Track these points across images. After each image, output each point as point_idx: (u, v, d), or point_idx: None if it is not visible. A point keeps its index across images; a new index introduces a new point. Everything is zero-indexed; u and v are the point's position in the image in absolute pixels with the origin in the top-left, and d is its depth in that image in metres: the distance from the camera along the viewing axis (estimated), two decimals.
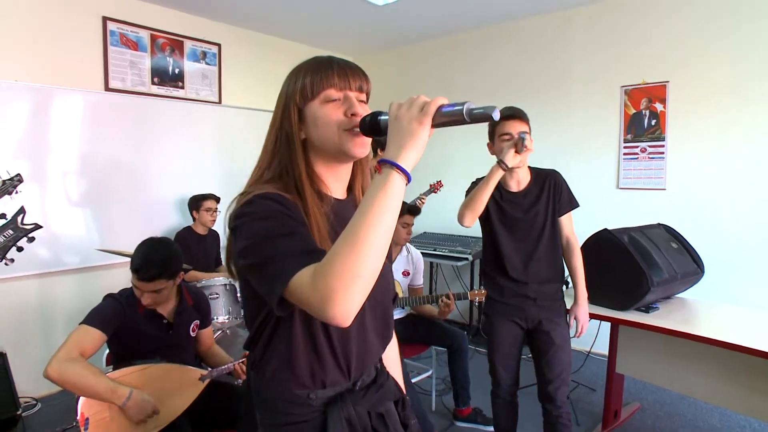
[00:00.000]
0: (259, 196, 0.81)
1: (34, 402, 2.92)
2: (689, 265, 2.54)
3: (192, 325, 1.90)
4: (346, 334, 0.90)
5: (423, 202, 3.45)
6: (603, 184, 3.60)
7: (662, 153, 3.32)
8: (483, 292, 2.65)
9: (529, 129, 1.94)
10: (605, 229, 2.43)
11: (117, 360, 1.77)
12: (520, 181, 2.00)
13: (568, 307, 2.09)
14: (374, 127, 0.81)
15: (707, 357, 2.26)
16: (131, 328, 1.73)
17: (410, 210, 2.78)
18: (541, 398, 2.06)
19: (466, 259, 3.72)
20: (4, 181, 2.14)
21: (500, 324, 2.06)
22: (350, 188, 0.98)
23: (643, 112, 3.37)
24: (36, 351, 3.01)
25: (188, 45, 3.74)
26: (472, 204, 1.89)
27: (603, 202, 3.55)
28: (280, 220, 0.79)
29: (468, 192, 2.02)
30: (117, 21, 3.32)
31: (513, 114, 1.92)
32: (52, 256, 3.07)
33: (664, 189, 3.33)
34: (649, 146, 3.37)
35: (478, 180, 2.01)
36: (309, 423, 0.89)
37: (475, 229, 4.57)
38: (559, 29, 3.76)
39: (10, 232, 1.15)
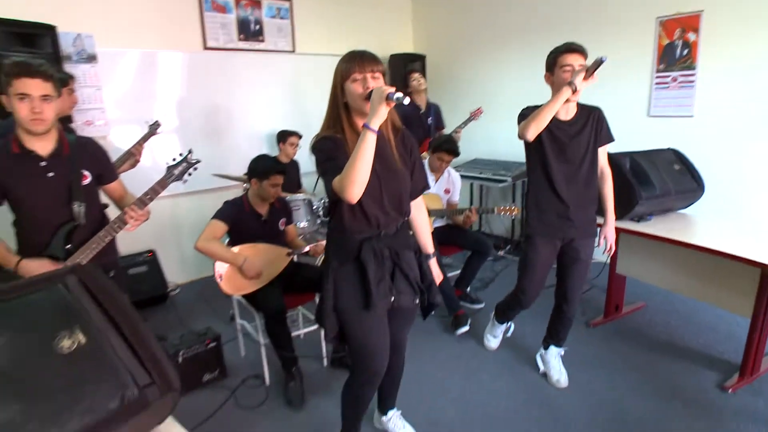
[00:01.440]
0: (323, 137, 1.56)
1: (176, 287, 4.05)
2: (688, 184, 2.90)
3: (280, 222, 2.73)
4: (373, 207, 1.58)
5: (459, 133, 3.98)
6: (634, 113, 3.87)
7: (692, 81, 3.52)
8: (511, 207, 3.23)
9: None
10: (607, 153, 2.85)
11: (233, 243, 2.64)
12: (568, 112, 2.22)
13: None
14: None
15: (691, 260, 2.72)
16: (242, 222, 2.58)
17: (448, 150, 3.35)
18: (557, 297, 2.48)
19: (506, 181, 4.25)
20: (150, 126, 3.04)
21: (540, 243, 2.35)
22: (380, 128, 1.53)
23: (676, 42, 3.55)
24: (171, 251, 4.13)
25: (265, 2, 4.39)
26: (538, 119, 2.08)
27: (634, 129, 3.82)
28: (330, 151, 1.52)
29: (521, 115, 2.23)
30: None
31: (575, 48, 2.11)
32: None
33: (692, 116, 3.57)
34: (680, 75, 3.58)
35: (528, 107, 2.24)
36: (352, 249, 1.61)
37: (516, 154, 5.00)
38: None
39: (185, 164, 1.96)
